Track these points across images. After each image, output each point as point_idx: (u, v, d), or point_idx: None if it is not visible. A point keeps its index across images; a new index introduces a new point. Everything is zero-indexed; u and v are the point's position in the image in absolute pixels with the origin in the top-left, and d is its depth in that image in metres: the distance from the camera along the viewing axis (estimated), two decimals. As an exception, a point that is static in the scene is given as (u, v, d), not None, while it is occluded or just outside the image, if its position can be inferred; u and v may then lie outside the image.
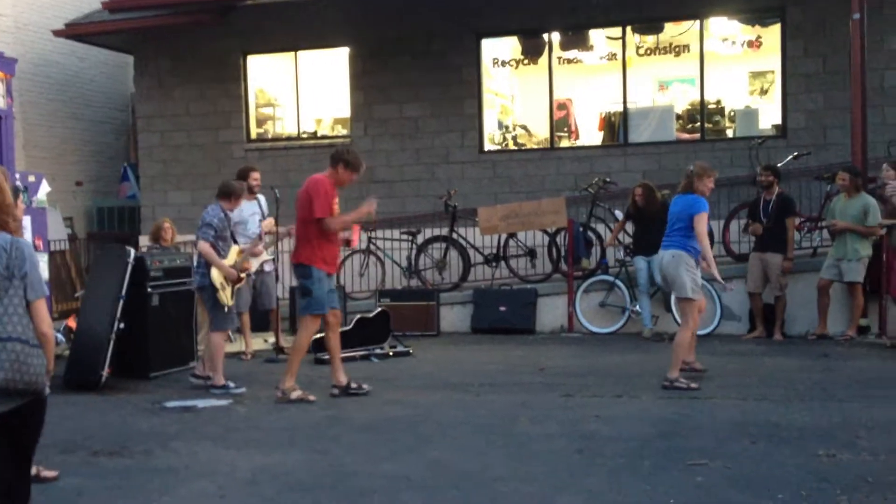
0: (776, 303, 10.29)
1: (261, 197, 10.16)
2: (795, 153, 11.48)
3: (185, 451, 6.01)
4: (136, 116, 15.49)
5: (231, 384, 8.08)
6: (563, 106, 13.78)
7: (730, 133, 13.02)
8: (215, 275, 8.04)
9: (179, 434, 6.50)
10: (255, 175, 10.10)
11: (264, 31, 14.23)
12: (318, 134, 14.67)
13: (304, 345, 7.67)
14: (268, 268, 10.03)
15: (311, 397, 7.52)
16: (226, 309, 8.14)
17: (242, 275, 8.35)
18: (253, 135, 14.79)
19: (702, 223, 7.60)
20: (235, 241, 8.63)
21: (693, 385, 7.50)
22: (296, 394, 7.51)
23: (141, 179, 15.39)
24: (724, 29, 13.11)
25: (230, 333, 10.41)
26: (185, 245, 11.80)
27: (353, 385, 7.74)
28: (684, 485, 4.98)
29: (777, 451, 5.60)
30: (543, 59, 13.54)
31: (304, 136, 14.61)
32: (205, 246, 8.07)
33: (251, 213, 9.91)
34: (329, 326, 7.79)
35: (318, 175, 7.69)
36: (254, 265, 9.80)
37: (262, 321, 10.55)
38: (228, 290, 8.15)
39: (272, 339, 10.27)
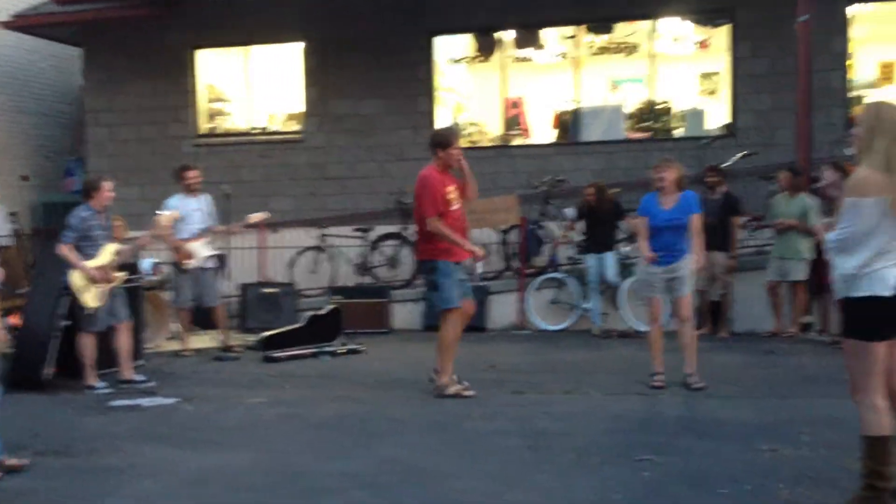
0: (721, 300, 10.45)
1: (204, 195, 10.05)
2: (743, 153, 11.66)
3: (130, 450, 5.93)
4: (85, 110, 15.23)
5: (100, 384, 7.92)
6: (515, 104, 13.84)
7: (678, 133, 13.18)
8: (75, 277, 7.87)
9: (125, 433, 6.41)
10: (192, 174, 10.03)
11: (215, 25, 14.07)
12: (270, 129, 14.56)
13: (449, 340, 7.47)
14: (209, 265, 9.92)
15: (469, 392, 7.40)
16: (90, 311, 7.93)
17: (117, 274, 8.12)
18: (202, 130, 14.62)
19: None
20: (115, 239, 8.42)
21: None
22: (452, 388, 7.41)
23: (88, 174, 15.13)
24: (674, 29, 13.26)
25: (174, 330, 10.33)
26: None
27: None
28: (631, 480, 5.05)
29: (722, 447, 5.69)
30: (496, 58, 13.59)
31: (256, 131, 14.49)
32: (63, 248, 7.89)
33: (192, 209, 9.85)
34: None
35: (425, 169, 7.52)
36: (193, 262, 9.74)
37: (207, 319, 10.44)
38: (93, 291, 7.94)
39: (222, 337, 10.16)
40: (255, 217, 10.17)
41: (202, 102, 14.68)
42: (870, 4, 12.35)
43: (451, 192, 7.44)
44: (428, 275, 7.50)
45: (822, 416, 6.42)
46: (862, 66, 12.60)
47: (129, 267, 8.93)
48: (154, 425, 6.69)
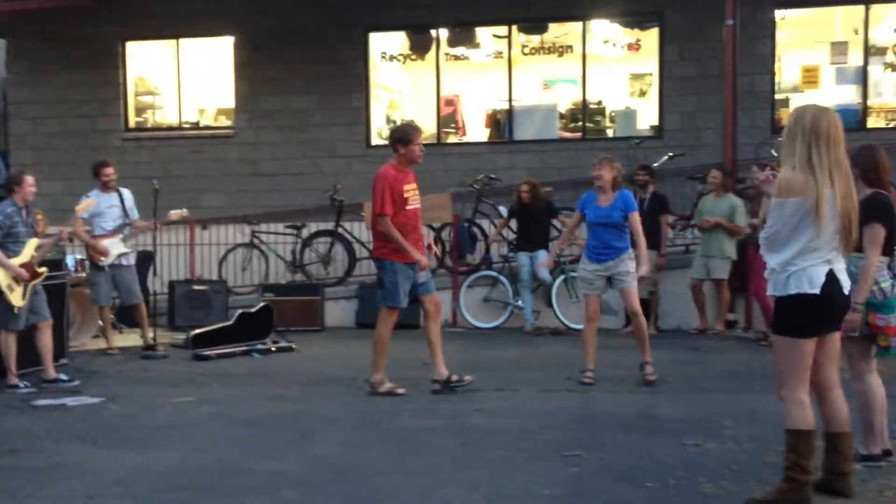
0: (650, 298, 10.63)
1: (124, 190, 9.87)
2: (670, 154, 11.88)
3: (54, 450, 5.80)
4: (8, 102, 14.81)
5: (22, 384, 7.76)
6: (450, 102, 13.87)
7: (610, 133, 13.37)
8: (0, 276, 7.68)
9: (49, 433, 6.27)
10: (108, 171, 9.87)
11: (145, 16, 13.80)
12: (201, 124, 14.35)
13: (384, 337, 7.44)
14: (125, 261, 9.74)
15: (401, 391, 7.33)
16: (15, 310, 7.74)
17: (41, 269, 7.94)
18: (131, 123, 14.35)
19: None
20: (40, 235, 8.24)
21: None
22: (385, 387, 7.33)
23: (11, 168, 14.72)
24: (605, 31, 13.44)
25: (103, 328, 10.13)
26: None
27: (455, 378, 7.42)
28: (560, 475, 5.11)
29: (648, 442, 5.80)
30: (431, 55, 13.61)
31: (186, 126, 14.27)
32: None
33: (108, 205, 9.68)
34: (428, 315, 7.56)
35: (383, 167, 7.44)
36: (109, 258, 9.56)
37: (131, 317, 10.26)
38: (19, 290, 7.75)
39: (148, 335, 9.97)
40: (176, 214, 10.04)
41: (132, 96, 14.40)
42: (794, 10, 12.69)
43: (410, 189, 7.40)
44: (378, 272, 7.51)
45: (745, 411, 6.58)
46: (787, 69, 12.93)
47: (54, 263, 8.73)
48: (78, 425, 6.55)
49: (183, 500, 4.83)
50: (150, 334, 9.80)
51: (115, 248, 9.65)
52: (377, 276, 7.63)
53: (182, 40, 14.08)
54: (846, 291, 4.39)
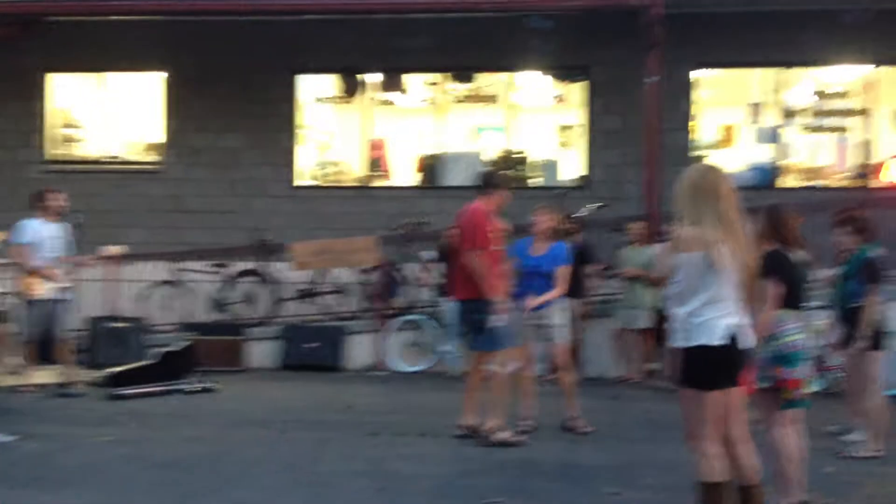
0: (574, 346, 10.76)
1: (64, 224, 9.64)
2: (599, 204, 12.10)
3: (-37, 491, 5.61)
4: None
5: None
6: (379, 146, 13.96)
7: (534, 182, 13.59)
8: None
9: (-42, 473, 6.06)
10: (58, 196, 9.64)
11: (69, 49, 13.56)
12: (127, 159, 14.13)
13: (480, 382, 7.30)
14: (68, 296, 9.51)
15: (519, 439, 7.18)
16: None
17: None
18: (51, 155, 14.04)
19: None
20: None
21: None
22: (506, 433, 7.14)
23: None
24: (534, 83, 13.73)
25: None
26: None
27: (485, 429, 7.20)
28: (482, 522, 5.14)
29: (570, 490, 5.88)
30: (360, 99, 13.71)
31: (111, 159, 14.03)
32: None
33: (49, 235, 9.45)
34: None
35: (472, 203, 7.37)
36: (43, 291, 9.29)
37: (52, 353, 9.98)
38: None
39: (66, 373, 9.70)
40: (112, 250, 9.87)
41: (53, 127, 14.13)
42: (712, 70, 13.18)
43: (496, 232, 7.36)
44: (474, 314, 7.18)
45: (664, 460, 6.70)
46: (705, 127, 13.38)
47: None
48: (-12, 465, 6.34)
49: (98, 544, 4.72)
50: (65, 372, 9.53)
51: (49, 283, 9.34)
52: (476, 320, 7.19)
53: (109, 74, 13.90)
54: (747, 345, 4.50)
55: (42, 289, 9.30)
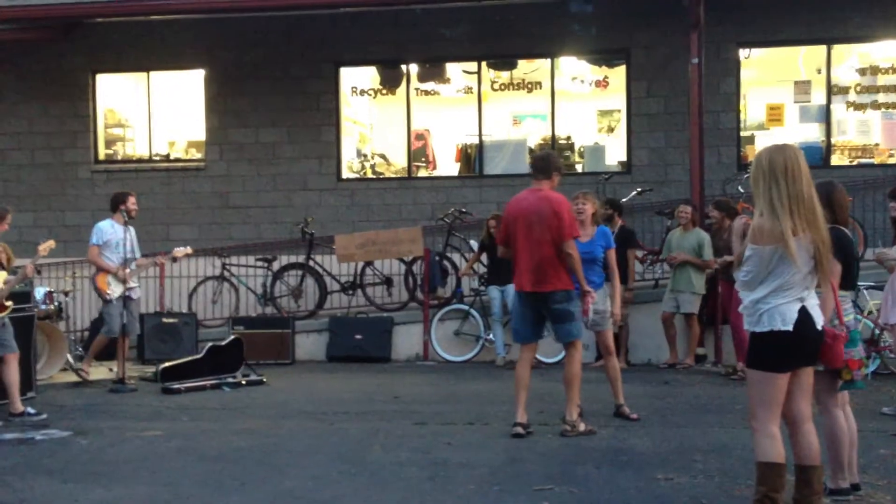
0: (619, 332, 10.70)
1: (130, 227, 9.86)
2: (639, 189, 12.02)
3: (20, 485, 5.72)
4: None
5: None
6: (420, 136, 13.97)
7: (579, 168, 13.52)
8: None
9: (15, 468, 6.18)
10: (133, 200, 9.90)
11: (114, 49, 13.82)
12: (171, 157, 14.32)
13: (579, 373, 7.15)
14: (134, 295, 9.84)
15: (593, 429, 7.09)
16: None
17: (7, 303, 7.87)
18: (101, 156, 14.28)
19: None
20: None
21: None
22: (584, 425, 7.09)
23: (-21, 200, 14.60)
24: (573, 68, 13.63)
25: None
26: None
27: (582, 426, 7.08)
28: (531, 509, 5.12)
29: (619, 476, 5.83)
30: (401, 90, 13.71)
31: (157, 158, 14.24)
32: None
33: (123, 237, 9.75)
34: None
35: (556, 193, 7.08)
36: (118, 291, 9.57)
37: (107, 349, 10.17)
38: None
39: (118, 369, 9.87)
40: (181, 252, 10.11)
41: (101, 128, 14.36)
42: (758, 49, 12.96)
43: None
44: (562, 304, 6.98)
45: (715, 445, 6.63)
46: (751, 107, 13.18)
47: (22, 296, 8.64)
48: (45, 459, 6.46)
49: (152, 535, 4.79)
50: (122, 368, 9.71)
51: (121, 282, 9.63)
52: (561, 311, 7.00)
53: (152, 73, 14.07)
54: (819, 327, 4.49)
55: (116, 289, 9.56)
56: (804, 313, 4.40)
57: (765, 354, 4.44)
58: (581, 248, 7.52)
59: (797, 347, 4.43)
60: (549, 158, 7.36)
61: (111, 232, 9.74)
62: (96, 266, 9.76)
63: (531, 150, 13.68)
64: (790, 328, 4.36)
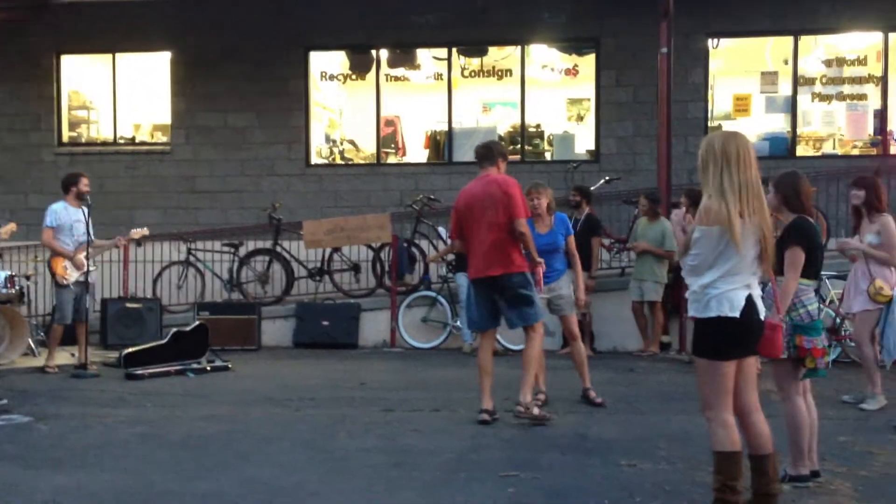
0: (583, 319, 10.75)
1: (84, 208, 9.71)
2: (607, 178, 12.08)
3: (-21, 472, 5.64)
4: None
5: None
6: (390, 122, 13.92)
7: (548, 156, 13.54)
8: None
9: (-26, 454, 6.10)
10: (86, 181, 9.71)
11: (80, 30, 13.61)
12: (137, 140, 14.16)
13: (539, 356, 7.14)
14: (90, 279, 9.66)
15: (549, 417, 7.02)
16: None
17: None
18: (65, 138, 14.08)
19: None
20: None
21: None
22: (538, 410, 7.01)
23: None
24: (544, 56, 13.63)
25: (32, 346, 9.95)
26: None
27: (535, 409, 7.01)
28: (497, 496, 5.13)
29: (584, 462, 5.86)
30: (371, 76, 13.65)
31: (122, 141, 14.06)
32: None
33: (75, 220, 9.61)
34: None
35: (505, 175, 7.12)
36: (73, 275, 9.44)
37: (69, 335, 10.05)
38: None
39: (79, 354, 9.76)
40: (137, 233, 9.99)
41: (65, 110, 14.15)
42: (726, 39, 13.04)
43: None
44: (520, 288, 6.95)
45: (678, 432, 6.69)
46: (719, 97, 13.27)
47: (-19, 279, 8.52)
48: (6, 445, 6.37)
49: (113, 522, 4.75)
50: (83, 353, 9.60)
51: (84, 263, 9.49)
52: (519, 294, 6.96)
53: (118, 55, 13.88)
54: (762, 316, 4.51)
55: (70, 272, 9.43)
56: (750, 301, 4.41)
57: (711, 341, 4.43)
58: (543, 239, 7.60)
59: (743, 335, 4.44)
60: (492, 145, 7.47)
61: (65, 214, 9.57)
62: (51, 250, 9.59)
63: (500, 138, 13.67)
64: (737, 315, 4.36)
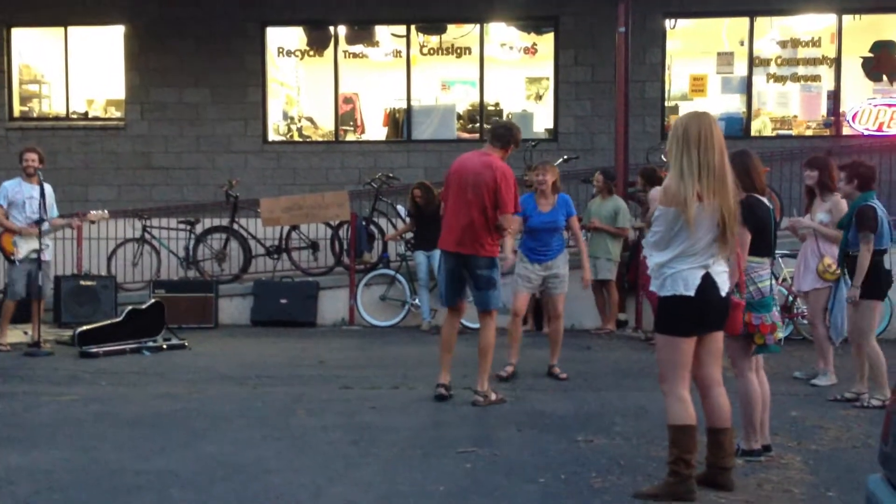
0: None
1: (46, 186, 9.53)
2: (565, 157, 12.11)
3: (-71, 451, 5.55)
4: None
5: None
6: (349, 100, 13.83)
7: (507, 134, 13.51)
8: None
9: (-77, 434, 5.99)
10: (30, 156, 9.60)
11: (30, 2, 13.32)
12: (90, 115, 13.91)
13: (493, 343, 7.02)
14: (44, 256, 9.44)
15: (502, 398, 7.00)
16: None
17: None
18: (16, 113, 13.80)
19: None
20: None
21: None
22: (495, 395, 6.97)
23: None
24: (503, 35, 13.62)
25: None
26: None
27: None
28: (454, 472, 5.16)
29: (541, 438, 5.92)
30: (329, 52, 13.54)
31: (74, 116, 13.81)
32: None
33: (27, 196, 9.48)
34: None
35: (501, 161, 6.87)
36: (22, 252, 9.29)
37: (23, 312, 9.89)
38: None
39: (33, 332, 9.62)
40: (97, 215, 9.86)
41: (16, 84, 13.85)
42: (683, 20, 13.12)
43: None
44: (484, 271, 6.89)
45: (633, 408, 6.78)
46: (676, 77, 13.37)
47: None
48: (-45, 425, 6.28)
49: (67, 499, 4.69)
50: (36, 331, 9.46)
51: (28, 243, 9.33)
52: (483, 277, 6.90)
53: (70, 28, 13.60)
54: (723, 293, 4.57)
55: (22, 248, 9.28)
56: (707, 279, 4.47)
57: (669, 318, 4.53)
58: (544, 217, 7.73)
59: (700, 313, 4.51)
60: (513, 130, 7.08)
61: (17, 190, 9.43)
62: (4, 226, 9.44)
63: (459, 117, 13.66)
64: (692, 293, 4.44)
